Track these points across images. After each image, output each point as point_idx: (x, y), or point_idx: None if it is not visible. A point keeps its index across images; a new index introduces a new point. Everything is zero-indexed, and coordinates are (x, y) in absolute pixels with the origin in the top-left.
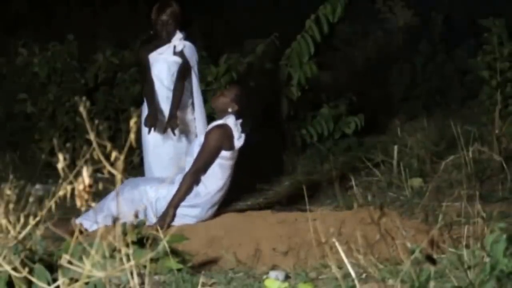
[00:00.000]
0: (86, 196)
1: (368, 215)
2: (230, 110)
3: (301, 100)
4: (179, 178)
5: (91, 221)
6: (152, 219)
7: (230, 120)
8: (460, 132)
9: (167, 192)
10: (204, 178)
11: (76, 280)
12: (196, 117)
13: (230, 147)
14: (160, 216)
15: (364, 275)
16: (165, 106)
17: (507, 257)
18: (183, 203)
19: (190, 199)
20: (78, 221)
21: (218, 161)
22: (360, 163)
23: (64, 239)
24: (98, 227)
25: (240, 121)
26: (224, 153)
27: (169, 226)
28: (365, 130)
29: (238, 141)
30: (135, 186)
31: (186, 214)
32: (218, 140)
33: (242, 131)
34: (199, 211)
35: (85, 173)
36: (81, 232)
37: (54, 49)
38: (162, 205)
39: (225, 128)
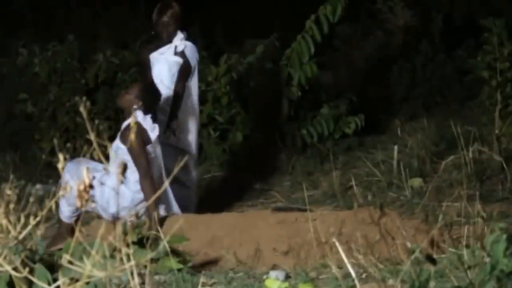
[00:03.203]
0: (86, 196)
1: (368, 215)
2: (135, 106)
3: (301, 100)
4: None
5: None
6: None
7: (138, 116)
8: (460, 132)
9: (112, 183)
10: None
11: (77, 280)
12: (189, 117)
13: (148, 141)
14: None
15: (364, 275)
16: (166, 106)
17: (507, 257)
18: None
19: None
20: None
21: None
22: (360, 163)
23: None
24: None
25: (149, 116)
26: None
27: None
28: (365, 130)
29: (153, 133)
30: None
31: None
32: (137, 135)
33: (154, 122)
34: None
35: (85, 173)
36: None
37: (54, 49)
38: (106, 191)
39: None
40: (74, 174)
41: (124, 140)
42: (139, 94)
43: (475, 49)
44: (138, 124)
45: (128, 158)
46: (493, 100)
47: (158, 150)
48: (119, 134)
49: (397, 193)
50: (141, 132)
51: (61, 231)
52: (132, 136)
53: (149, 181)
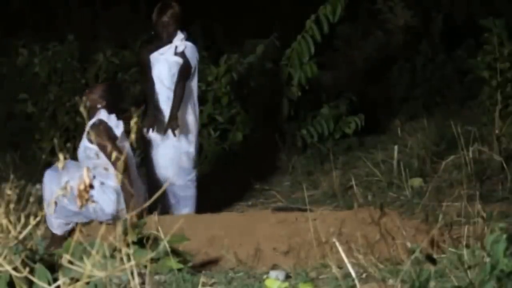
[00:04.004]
0: (86, 196)
1: (368, 215)
2: (99, 106)
3: (302, 100)
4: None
5: (56, 224)
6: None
7: (102, 115)
8: (460, 132)
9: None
10: (101, 176)
11: (77, 280)
12: (189, 117)
13: (114, 137)
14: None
15: (364, 275)
16: (166, 106)
17: (507, 257)
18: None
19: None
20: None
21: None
22: (360, 163)
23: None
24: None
25: (113, 115)
26: None
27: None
28: (365, 130)
29: (118, 129)
30: (53, 171)
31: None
32: (103, 132)
33: (118, 119)
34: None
35: (86, 173)
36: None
37: (54, 49)
38: (74, 196)
39: (100, 123)
40: (54, 182)
41: (91, 140)
42: (103, 94)
43: (475, 49)
44: (103, 122)
45: (94, 156)
46: (493, 100)
47: (127, 144)
48: (85, 134)
49: (397, 193)
50: (107, 129)
51: (54, 242)
52: (132, 136)
53: (125, 173)
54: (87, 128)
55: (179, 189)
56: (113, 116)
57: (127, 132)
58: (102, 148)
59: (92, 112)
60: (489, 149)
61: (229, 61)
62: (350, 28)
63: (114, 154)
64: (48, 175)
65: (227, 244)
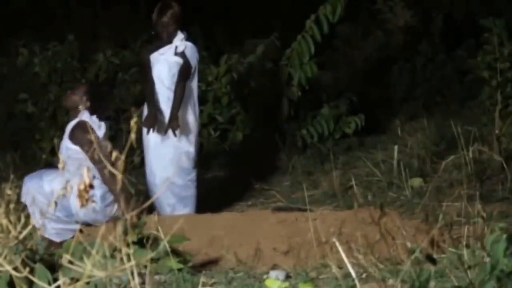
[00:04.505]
0: (86, 196)
1: (369, 215)
2: (81, 107)
3: (302, 100)
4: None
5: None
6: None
7: (85, 116)
8: (460, 132)
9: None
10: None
11: (77, 280)
12: (189, 117)
13: (96, 138)
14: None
15: (364, 275)
16: (166, 106)
17: (507, 257)
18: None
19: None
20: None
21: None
22: (361, 163)
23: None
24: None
25: (94, 116)
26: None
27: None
28: (365, 130)
29: (100, 130)
30: (32, 181)
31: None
32: (86, 132)
33: (100, 120)
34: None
35: (86, 173)
36: (81, 231)
37: (54, 49)
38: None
39: (82, 123)
40: (36, 191)
41: (74, 140)
42: (85, 95)
43: (475, 49)
44: (85, 123)
45: (77, 157)
46: (493, 100)
47: (109, 146)
48: (67, 134)
49: (397, 193)
50: (89, 130)
51: (53, 243)
52: (132, 136)
53: (107, 175)
54: (69, 128)
55: (179, 189)
56: (94, 117)
57: (127, 132)
58: (84, 148)
59: (74, 112)
60: (489, 149)
61: (229, 61)
62: (350, 28)
63: (95, 155)
64: (27, 183)
65: (227, 244)
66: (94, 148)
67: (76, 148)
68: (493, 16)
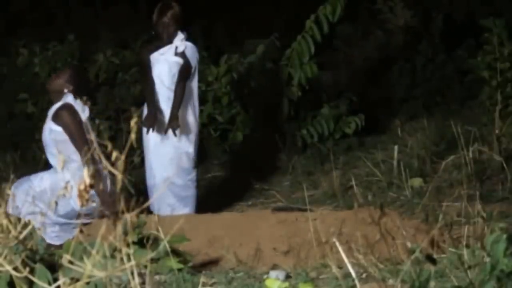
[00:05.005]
0: (86, 196)
1: (369, 215)
2: (66, 90)
3: (302, 100)
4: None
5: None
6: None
7: (69, 98)
8: (460, 132)
9: (51, 182)
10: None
11: (77, 280)
12: (189, 117)
13: (80, 122)
14: (102, 204)
15: (364, 275)
16: (166, 106)
17: (507, 257)
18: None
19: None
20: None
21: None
22: (361, 163)
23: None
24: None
25: (78, 100)
26: None
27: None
28: (365, 130)
29: (84, 113)
30: (21, 187)
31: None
32: (71, 115)
33: (84, 104)
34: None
35: (86, 173)
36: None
37: (54, 49)
38: (48, 195)
39: (68, 106)
40: (26, 194)
41: (58, 122)
42: (69, 78)
43: (475, 49)
44: (71, 105)
45: (61, 139)
46: (493, 100)
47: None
48: (51, 116)
49: (397, 193)
50: (74, 112)
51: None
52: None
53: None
54: (52, 110)
55: (179, 189)
56: (79, 101)
57: (127, 132)
58: (68, 131)
59: (58, 96)
60: (489, 149)
61: (229, 61)
62: (350, 28)
63: (78, 138)
64: (16, 186)
65: (227, 244)
66: (78, 131)
67: (60, 129)
68: (493, 16)
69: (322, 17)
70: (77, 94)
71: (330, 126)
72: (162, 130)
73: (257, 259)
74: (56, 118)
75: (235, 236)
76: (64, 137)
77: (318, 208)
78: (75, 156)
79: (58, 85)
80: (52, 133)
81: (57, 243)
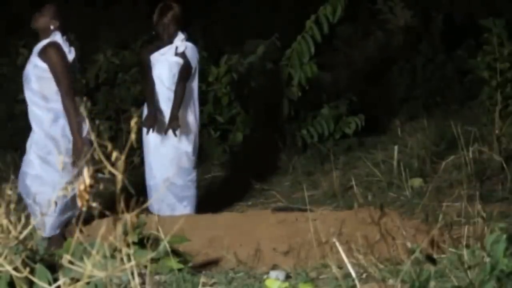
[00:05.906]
0: (86, 196)
1: (369, 215)
2: (52, 27)
3: (302, 100)
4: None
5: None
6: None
7: (57, 37)
8: (460, 132)
9: (38, 171)
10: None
11: (77, 280)
12: (189, 117)
13: (66, 62)
14: (73, 151)
15: (364, 275)
16: (166, 107)
17: (507, 257)
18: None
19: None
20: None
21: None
22: (361, 163)
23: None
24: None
25: (65, 37)
26: None
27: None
28: (365, 130)
29: (70, 54)
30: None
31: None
32: (58, 53)
33: (70, 45)
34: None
35: (86, 173)
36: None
37: None
38: (37, 184)
39: (55, 44)
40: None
41: (43, 58)
42: (55, 14)
43: (475, 49)
44: (58, 44)
45: (45, 76)
46: (493, 100)
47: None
48: (37, 52)
49: (397, 193)
50: (61, 52)
51: (53, 243)
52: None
53: (71, 99)
54: (39, 47)
55: (179, 189)
56: (65, 39)
57: (127, 132)
58: (53, 70)
59: (45, 34)
60: (489, 149)
61: (229, 61)
62: (350, 28)
63: (62, 77)
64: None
65: (227, 244)
66: (63, 72)
67: (45, 66)
68: (493, 16)
69: (322, 17)
70: (63, 31)
71: (330, 126)
72: (162, 130)
73: (257, 259)
74: (43, 55)
75: (235, 236)
76: (48, 75)
77: (318, 208)
78: (56, 96)
79: (44, 22)
80: (36, 69)
81: (55, 233)
